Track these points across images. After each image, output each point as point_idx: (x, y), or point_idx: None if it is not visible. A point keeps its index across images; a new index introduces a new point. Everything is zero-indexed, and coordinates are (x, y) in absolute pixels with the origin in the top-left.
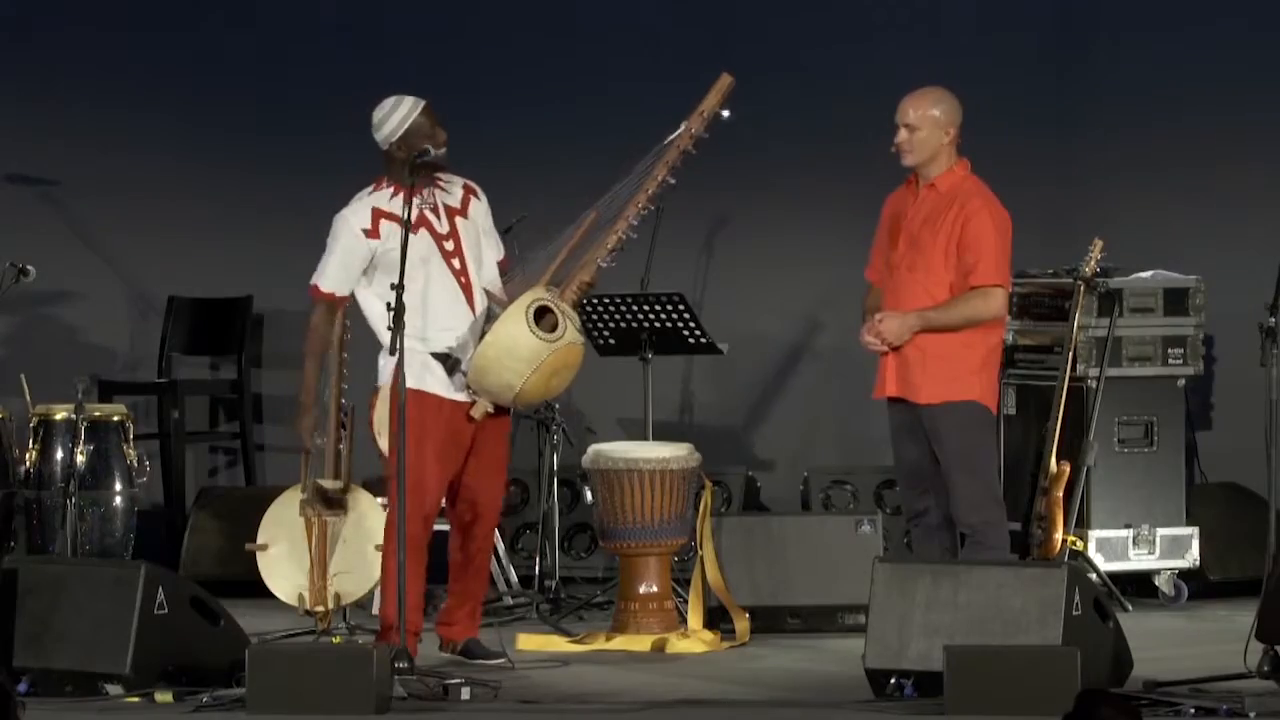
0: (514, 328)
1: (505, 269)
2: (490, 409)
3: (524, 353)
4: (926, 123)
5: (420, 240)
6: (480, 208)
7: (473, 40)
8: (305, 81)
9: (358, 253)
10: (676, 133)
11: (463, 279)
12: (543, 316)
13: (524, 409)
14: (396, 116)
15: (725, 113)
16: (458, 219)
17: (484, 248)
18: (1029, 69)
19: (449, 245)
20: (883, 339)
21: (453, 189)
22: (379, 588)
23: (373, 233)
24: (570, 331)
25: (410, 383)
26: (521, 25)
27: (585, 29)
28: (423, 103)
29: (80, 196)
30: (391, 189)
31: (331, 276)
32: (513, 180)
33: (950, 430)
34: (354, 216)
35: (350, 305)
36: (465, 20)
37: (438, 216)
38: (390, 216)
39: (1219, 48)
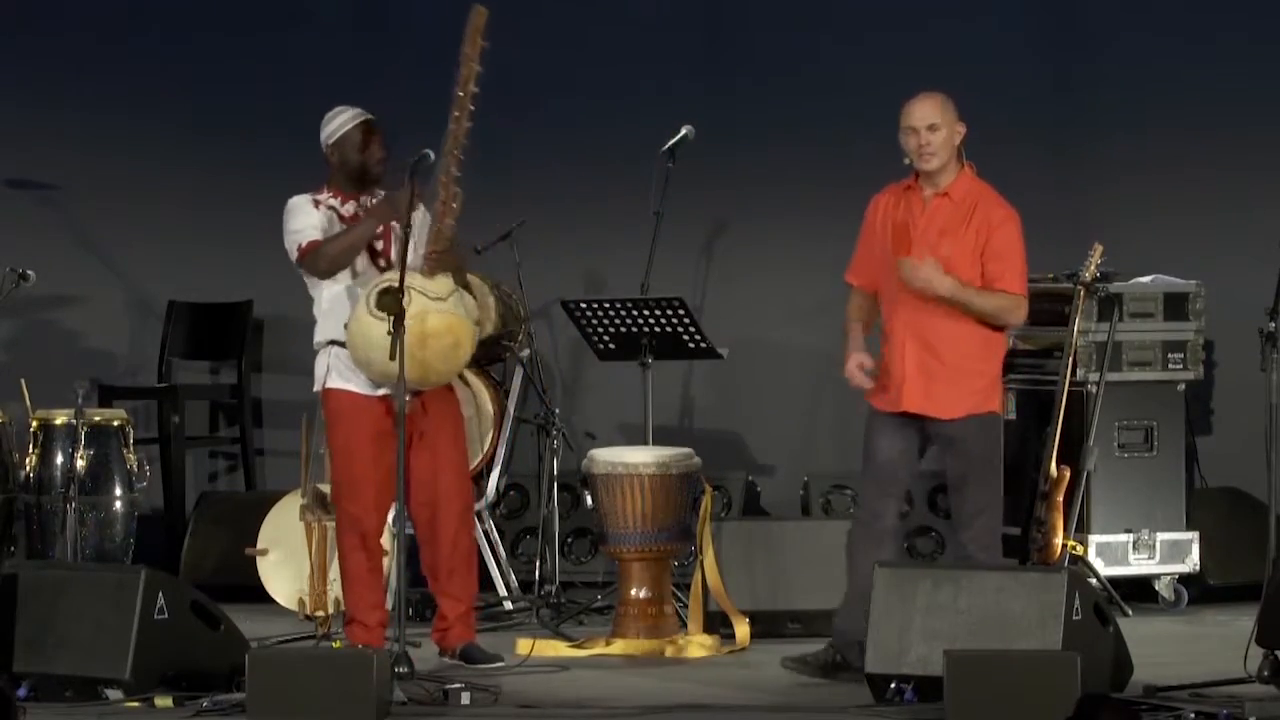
0: (359, 317)
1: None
2: (406, 397)
3: (375, 337)
4: (945, 123)
5: None
6: (421, 218)
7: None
8: (306, 85)
9: (315, 215)
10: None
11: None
12: (386, 298)
13: (432, 386)
14: (332, 125)
15: (479, 47)
16: (395, 224)
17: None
18: (1028, 74)
19: (378, 245)
20: (920, 269)
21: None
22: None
23: (317, 205)
24: (420, 302)
25: (337, 383)
26: (522, 26)
27: (585, 30)
28: (362, 117)
29: (80, 201)
30: (330, 191)
31: (306, 231)
32: (512, 183)
33: (974, 441)
34: (299, 197)
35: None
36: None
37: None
38: (327, 209)
39: (1218, 53)
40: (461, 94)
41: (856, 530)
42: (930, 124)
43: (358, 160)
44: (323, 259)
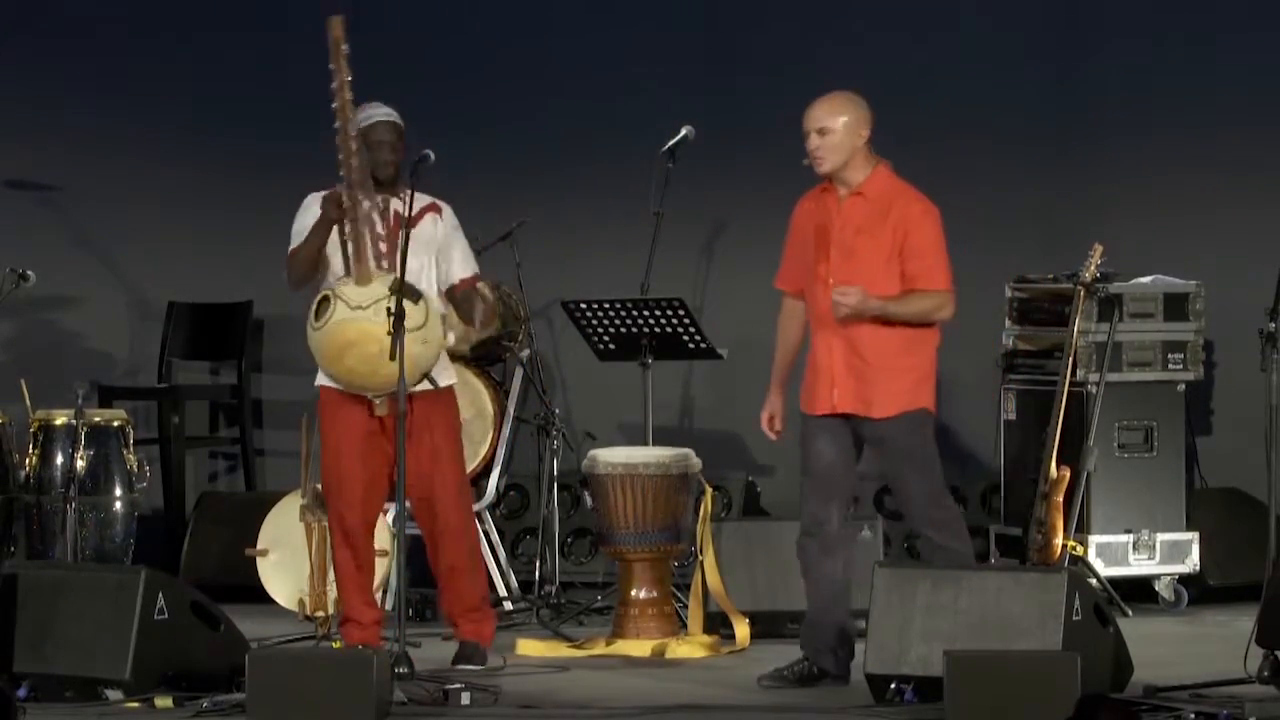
0: (308, 330)
1: (465, 287)
2: (381, 399)
3: (313, 346)
4: (838, 126)
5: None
6: (437, 225)
7: (473, 44)
8: (306, 86)
9: (314, 216)
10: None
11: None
12: (323, 308)
13: (372, 392)
14: (369, 110)
15: (343, 56)
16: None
17: (435, 260)
18: (1029, 74)
19: (382, 247)
20: (846, 301)
21: (415, 201)
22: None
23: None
24: (342, 310)
25: (324, 380)
26: (522, 29)
27: (585, 30)
28: (378, 119)
29: (80, 202)
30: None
31: (295, 237)
32: (512, 184)
33: (903, 438)
34: (313, 197)
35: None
36: (465, 24)
37: (384, 220)
38: None
39: (1218, 53)
40: (336, 105)
41: (804, 540)
42: (820, 128)
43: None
44: (288, 270)
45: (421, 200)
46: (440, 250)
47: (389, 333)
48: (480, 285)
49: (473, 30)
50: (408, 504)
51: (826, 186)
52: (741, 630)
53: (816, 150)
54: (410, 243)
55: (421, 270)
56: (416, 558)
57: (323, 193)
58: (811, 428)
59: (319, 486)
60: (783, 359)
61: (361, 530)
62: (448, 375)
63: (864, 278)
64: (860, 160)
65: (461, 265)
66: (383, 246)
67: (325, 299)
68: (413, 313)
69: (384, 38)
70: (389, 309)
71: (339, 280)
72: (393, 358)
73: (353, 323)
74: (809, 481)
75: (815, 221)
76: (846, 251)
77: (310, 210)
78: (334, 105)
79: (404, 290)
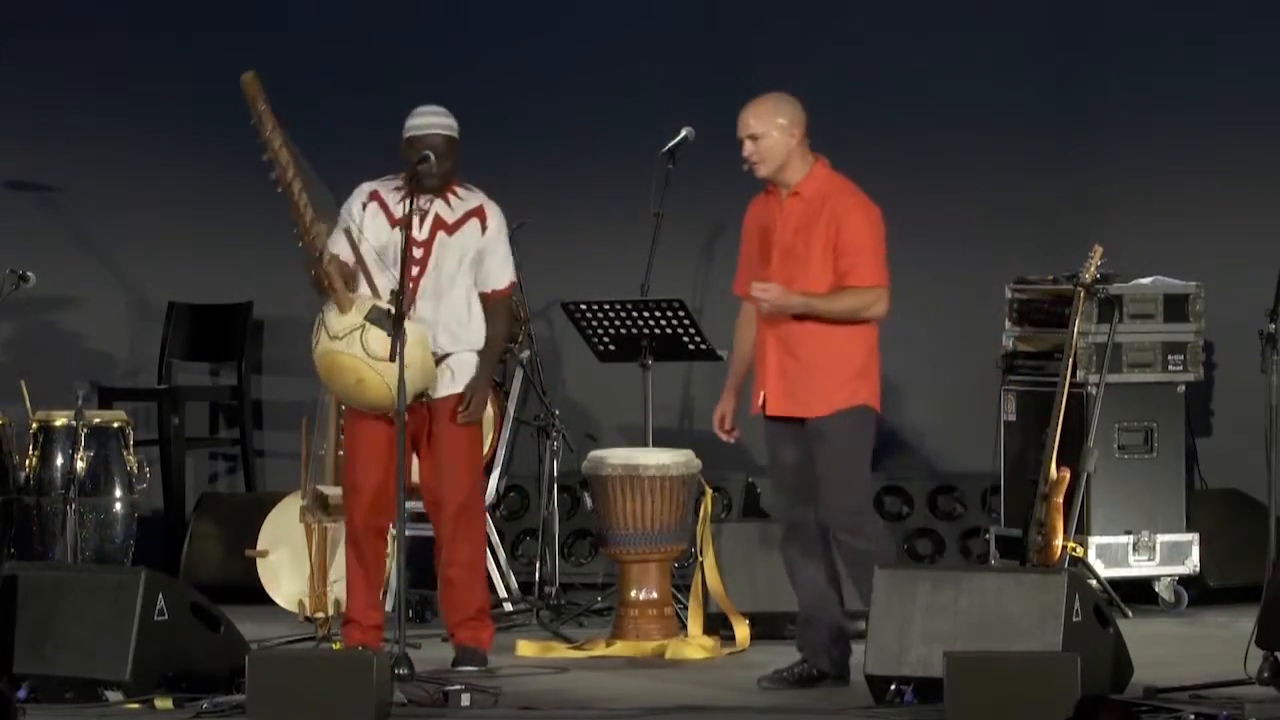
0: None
1: (501, 295)
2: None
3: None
4: (771, 129)
5: (393, 236)
6: (476, 232)
7: (472, 46)
8: (306, 87)
9: (354, 212)
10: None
11: (412, 285)
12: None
13: (375, 412)
14: (409, 121)
15: (262, 108)
16: (440, 233)
17: (469, 267)
18: (1029, 74)
19: (417, 253)
20: (765, 297)
21: (460, 205)
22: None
23: (364, 207)
24: (324, 339)
25: None
26: (521, 30)
27: (585, 31)
28: (419, 133)
29: (80, 202)
30: (398, 181)
31: (335, 235)
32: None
33: (835, 434)
34: (359, 192)
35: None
36: (465, 25)
37: (421, 221)
38: (381, 204)
39: (1218, 53)
40: (267, 157)
41: (784, 544)
42: (751, 134)
43: (428, 153)
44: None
45: (471, 202)
46: (477, 257)
47: (365, 362)
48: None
49: (472, 30)
50: (417, 506)
51: (771, 189)
52: (741, 631)
53: (751, 156)
54: (445, 249)
55: (457, 275)
56: (416, 558)
57: (372, 184)
58: (769, 432)
59: (319, 488)
60: (739, 363)
61: (367, 534)
62: (448, 384)
63: (804, 277)
64: (797, 160)
65: (496, 275)
66: (417, 253)
67: (319, 321)
68: (385, 343)
69: (384, 38)
70: (362, 339)
71: (328, 304)
72: (392, 359)
73: (330, 354)
74: (777, 485)
75: (760, 223)
76: (786, 252)
77: (350, 206)
78: (264, 157)
79: (380, 319)
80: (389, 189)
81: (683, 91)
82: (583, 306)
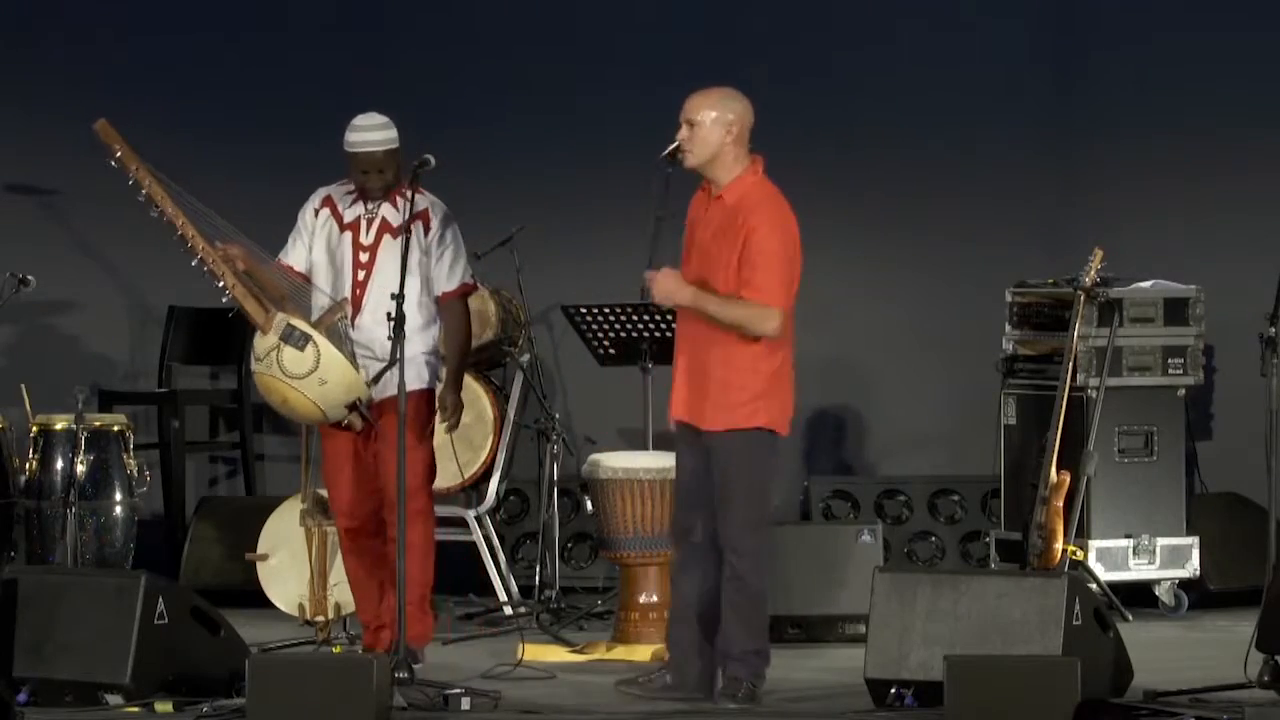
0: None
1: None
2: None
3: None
4: (706, 120)
5: (343, 240)
6: (420, 235)
7: (472, 47)
8: (306, 90)
9: (303, 229)
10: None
11: (358, 290)
12: None
13: (314, 425)
14: (348, 135)
15: (119, 151)
16: (386, 236)
17: (415, 269)
18: (1030, 79)
19: (364, 257)
20: (654, 286)
21: (406, 209)
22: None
23: (317, 214)
24: (253, 360)
25: None
26: (521, 33)
27: (585, 32)
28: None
29: (80, 206)
30: (348, 185)
31: (287, 246)
32: (511, 188)
33: (730, 457)
34: (314, 196)
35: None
36: (465, 25)
37: (369, 226)
38: (333, 209)
39: (1219, 56)
40: (144, 197)
41: (672, 550)
42: (689, 119)
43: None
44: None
45: (418, 205)
46: (423, 260)
47: (285, 382)
48: (480, 292)
49: (473, 35)
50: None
51: (705, 185)
52: None
53: (684, 142)
54: (389, 252)
55: (407, 280)
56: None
57: (326, 189)
58: (676, 435)
59: (319, 491)
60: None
61: (359, 532)
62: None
63: (715, 282)
64: (729, 159)
65: (444, 278)
66: (363, 257)
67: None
68: (299, 360)
69: (384, 39)
70: (278, 359)
71: (259, 327)
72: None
73: (258, 375)
74: (675, 490)
75: (693, 217)
76: (703, 253)
77: (301, 216)
78: (140, 198)
79: (291, 337)
80: (341, 193)
81: (683, 93)
82: (583, 310)
